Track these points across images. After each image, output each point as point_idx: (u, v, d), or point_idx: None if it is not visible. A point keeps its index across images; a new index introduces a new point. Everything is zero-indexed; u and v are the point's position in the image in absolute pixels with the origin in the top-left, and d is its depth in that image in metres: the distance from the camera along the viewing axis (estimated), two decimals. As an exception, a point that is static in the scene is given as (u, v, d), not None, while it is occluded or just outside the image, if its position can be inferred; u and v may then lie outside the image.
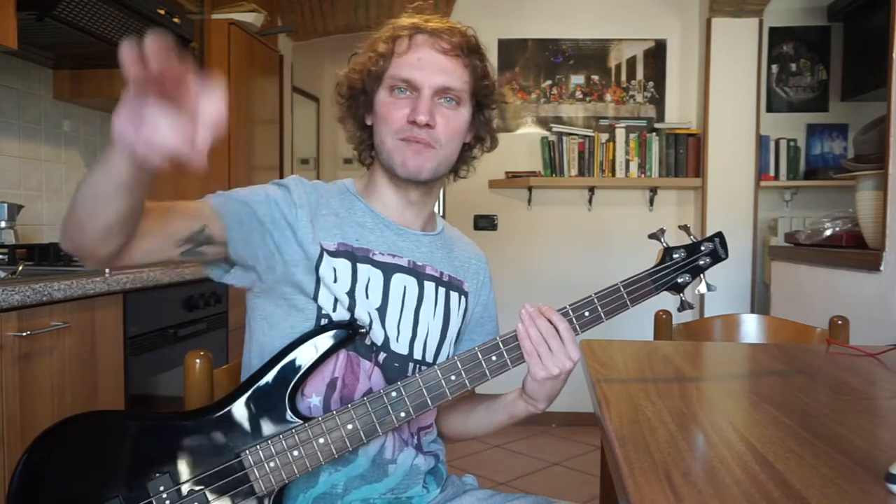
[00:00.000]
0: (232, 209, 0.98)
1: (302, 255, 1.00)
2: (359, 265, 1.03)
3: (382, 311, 1.03)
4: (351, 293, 1.01)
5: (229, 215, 0.97)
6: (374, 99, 1.06)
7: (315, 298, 1.00)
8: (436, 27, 1.04)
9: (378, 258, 1.04)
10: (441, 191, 1.14)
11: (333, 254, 1.01)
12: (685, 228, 1.08)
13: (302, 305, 1.00)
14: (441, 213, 3.56)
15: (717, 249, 1.05)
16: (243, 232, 0.97)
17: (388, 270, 1.05)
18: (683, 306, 1.05)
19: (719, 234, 1.06)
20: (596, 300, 1.00)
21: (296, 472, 0.94)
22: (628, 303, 1.01)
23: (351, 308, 1.01)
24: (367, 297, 1.02)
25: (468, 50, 1.05)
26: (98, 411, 0.99)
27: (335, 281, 1.01)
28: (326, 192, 1.07)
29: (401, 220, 1.09)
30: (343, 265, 1.02)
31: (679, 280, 1.04)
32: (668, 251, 1.04)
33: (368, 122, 1.09)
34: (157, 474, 0.92)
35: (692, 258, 1.04)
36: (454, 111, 1.05)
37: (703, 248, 1.05)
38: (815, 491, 0.66)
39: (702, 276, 1.05)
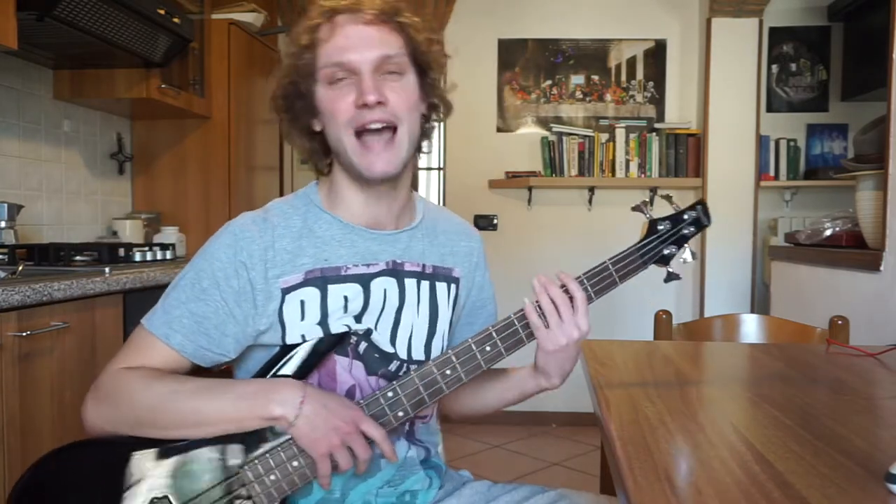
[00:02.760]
0: (202, 354, 0.97)
1: (265, 316, 0.97)
2: (330, 287, 0.98)
3: (359, 317, 1.00)
4: (323, 322, 0.98)
5: (202, 359, 0.98)
6: (314, 99, 0.99)
7: (283, 341, 0.98)
8: (353, 5, 0.97)
9: (352, 272, 1.00)
10: (411, 173, 1.08)
11: (300, 285, 0.97)
12: (667, 198, 1.06)
13: (273, 344, 1.00)
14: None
15: (700, 217, 1.03)
16: (216, 356, 0.98)
17: (364, 280, 1.01)
18: (670, 277, 1.03)
19: (701, 202, 1.04)
20: (585, 280, 0.99)
21: (297, 482, 0.93)
22: (617, 280, 1.00)
23: (326, 333, 0.98)
24: (346, 311, 0.99)
25: (393, 12, 0.98)
26: (93, 440, 0.97)
27: (302, 319, 0.98)
28: (282, 222, 1.00)
29: (373, 223, 1.04)
30: (311, 294, 0.98)
31: (665, 252, 1.02)
32: (652, 223, 1.02)
33: (317, 128, 1.02)
34: (155, 499, 0.91)
35: (676, 228, 1.02)
36: (400, 82, 0.97)
37: (685, 216, 1.03)
38: (815, 491, 0.66)
39: (686, 245, 1.03)
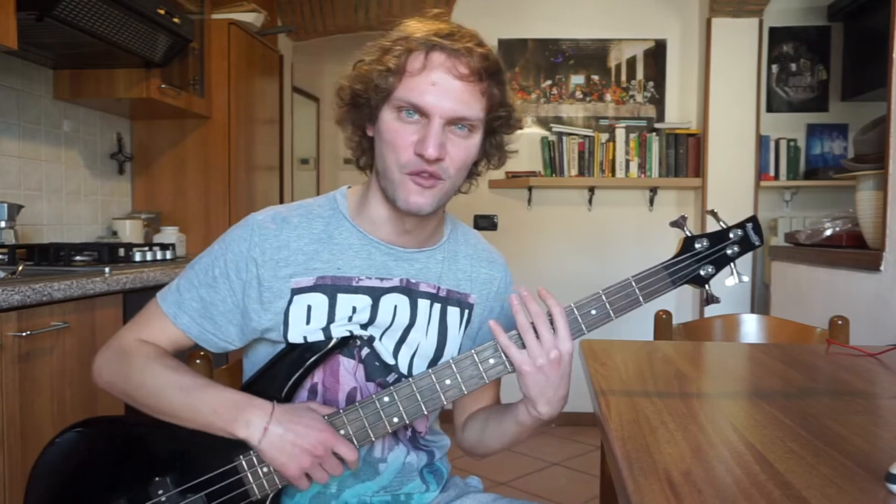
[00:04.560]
0: (208, 338, 1.01)
1: (271, 313, 0.98)
2: (339, 296, 0.98)
3: (364, 327, 1.00)
4: (327, 328, 0.98)
5: (207, 342, 1.02)
6: (378, 114, 0.97)
7: (286, 337, 0.99)
8: (454, 47, 0.92)
9: (364, 283, 0.99)
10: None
11: (310, 289, 0.98)
12: (713, 214, 0.97)
13: (277, 341, 1.01)
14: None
15: (749, 236, 0.93)
16: (221, 342, 1.02)
17: (375, 293, 1.00)
18: (708, 300, 0.94)
19: (752, 219, 0.95)
20: (604, 297, 0.92)
21: None
22: (640, 299, 0.92)
23: (328, 337, 0.98)
24: (351, 321, 0.99)
25: (487, 75, 0.94)
26: (99, 417, 1.05)
27: (307, 322, 0.98)
28: (303, 223, 1.00)
29: (395, 242, 1.03)
30: (320, 300, 0.98)
31: (702, 272, 0.93)
32: (688, 240, 0.94)
33: (370, 133, 1.01)
34: (157, 478, 0.94)
35: (717, 248, 0.94)
36: (465, 139, 0.95)
37: (731, 235, 0.94)
38: (815, 491, 0.66)
39: (731, 266, 0.94)
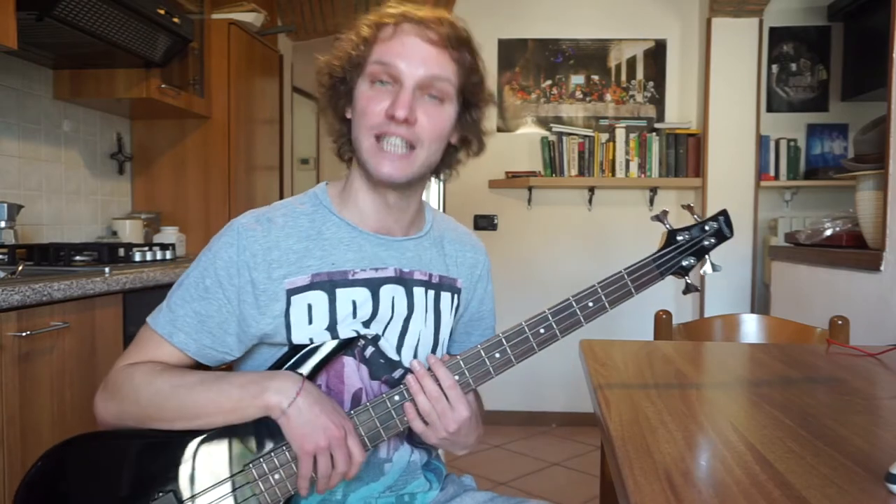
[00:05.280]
0: (206, 353, 0.98)
1: (270, 317, 0.97)
2: (338, 291, 0.98)
3: (368, 323, 1.00)
4: (332, 327, 0.98)
5: (205, 357, 0.99)
6: (353, 90, 1.00)
7: (289, 340, 0.98)
8: (424, 16, 0.97)
9: (359, 276, 0.99)
10: (424, 189, 1.09)
11: (307, 288, 0.97)
12: (688, 208, 1.04)
13: (279, 343, 1.00)
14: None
15: (722, 228, 1.01)
16: (220, 354, 0.99)
17: (373, 285, 1.00)
18: (689, 289, 1.01)
19: (723, 213, 1.02)
20: (599, 289, 0.97)
21: None
22: (633, 290, 0.98)
23: (334, 338, 0.98)
24: (355, 317, 0.99)
25: (457, 42, 0.98)
26: (98, 432, 0.99)
27: (310, 322, 0.97)
28: (289, 222, 1.00)
29: (381, 228, 1.04)
30: (319, 298, 0.97)
31: (684, 263, 1.00)
32: (671, 234, 1.00)
33: (348, 116, 1.03)
34: (160, 493, 0.91)
35: (696, 239, 1.00)
36: (438, 108, 0.98)
37: (707, 227, 1.00)
38: (815, 491, 0.66)
39: (706, 256, 1.01)
